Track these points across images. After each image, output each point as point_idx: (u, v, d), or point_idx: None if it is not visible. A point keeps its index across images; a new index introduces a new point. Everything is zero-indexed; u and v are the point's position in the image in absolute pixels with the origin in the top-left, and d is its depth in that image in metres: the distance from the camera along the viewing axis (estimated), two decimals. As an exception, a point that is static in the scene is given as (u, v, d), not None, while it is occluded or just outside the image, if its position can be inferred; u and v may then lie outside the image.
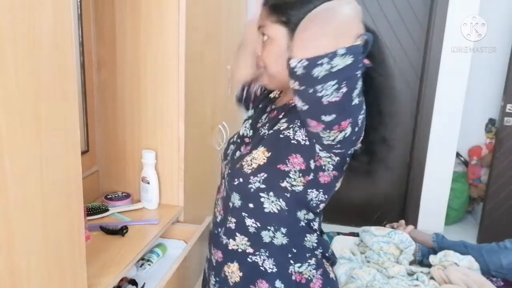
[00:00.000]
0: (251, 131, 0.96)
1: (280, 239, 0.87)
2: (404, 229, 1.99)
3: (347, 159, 0.85)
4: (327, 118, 0.72)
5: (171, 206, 1.44)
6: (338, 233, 2.24)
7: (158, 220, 1.31)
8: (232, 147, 0.99)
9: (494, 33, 2.82)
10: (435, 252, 1.86)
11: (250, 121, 1.00)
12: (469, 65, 2.63)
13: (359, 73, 0.69)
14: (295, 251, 0.88)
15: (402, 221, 2.09)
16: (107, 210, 1.34)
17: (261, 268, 0.89)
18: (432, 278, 1.71)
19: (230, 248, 0.91)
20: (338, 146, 0.78)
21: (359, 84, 0.71)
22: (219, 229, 0.95)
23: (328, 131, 0.74)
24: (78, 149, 0.81)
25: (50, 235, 0.75)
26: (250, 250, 0.89)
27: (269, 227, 0.87)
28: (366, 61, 0.70)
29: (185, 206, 1.47)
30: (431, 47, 2.69)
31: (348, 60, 0.66)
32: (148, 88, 1.39)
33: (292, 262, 0.88)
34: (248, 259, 0.89)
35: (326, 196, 0.87)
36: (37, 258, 0.73)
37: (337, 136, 0.75)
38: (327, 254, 0.93)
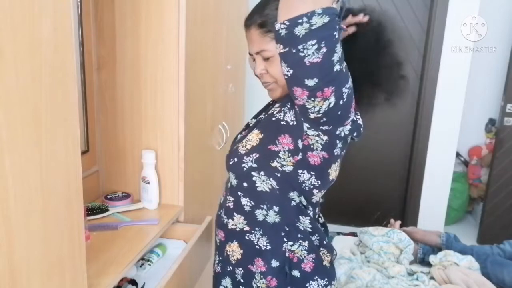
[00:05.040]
0: (255, 120, 1.05)
1: (273, 217, 0.93)
2: (395, 227, 1.98)
3: (337, 141, 0.88)
4: (310, 82, 0.76)
5: (171, 206, 1.44)
6: (338, 233, 2.23)
7: (158, 220, 1.31)
8: (239, 136, 1.06)
9: (494, 33, 2.82)
10: (437, 251, 1.86)
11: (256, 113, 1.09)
12: (469, 65, 2.63)
13: (336, 34, 0.74)
14: (287, 229, 0.94)
15: (392, 220, 2.09)
16: (107, 210, 1.34)
17: (257, 246, 0.95)
18: (432, 278, 1.71)
19: (229, 227, 0.98)
20: (324, 120, 0.82)
21: (339, 49, 0.76)
22: (221, 210, 1.02)
23: (312, 99, 0.79)
24: (78, 149, 0.81)
25: (50, 235, 0.75)
26: (246, 228, 0.95)
27: (262, 206, 0.92)
28: (343, 26, 0.78)
29: (185, 206, 1.47)
30: (431, 47, 2.69)
31: (325, 19, 0.72)
32: (148, 88, 1.39)
33: (285, 240, 0.94)
34: (246, 237, 0.96)
35: (320, 182, 0.91)
36: (37, 258, 0.73)
37: (321, 106, 0.79)
38: (324, 242, 0.98)
